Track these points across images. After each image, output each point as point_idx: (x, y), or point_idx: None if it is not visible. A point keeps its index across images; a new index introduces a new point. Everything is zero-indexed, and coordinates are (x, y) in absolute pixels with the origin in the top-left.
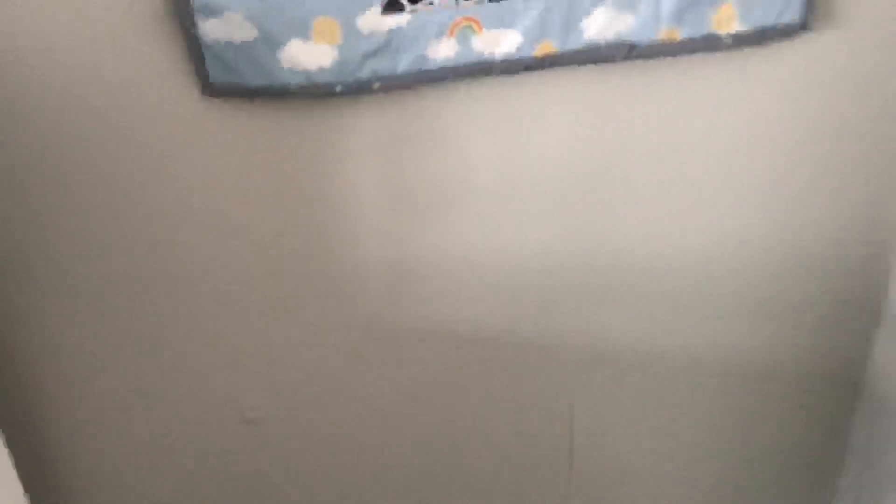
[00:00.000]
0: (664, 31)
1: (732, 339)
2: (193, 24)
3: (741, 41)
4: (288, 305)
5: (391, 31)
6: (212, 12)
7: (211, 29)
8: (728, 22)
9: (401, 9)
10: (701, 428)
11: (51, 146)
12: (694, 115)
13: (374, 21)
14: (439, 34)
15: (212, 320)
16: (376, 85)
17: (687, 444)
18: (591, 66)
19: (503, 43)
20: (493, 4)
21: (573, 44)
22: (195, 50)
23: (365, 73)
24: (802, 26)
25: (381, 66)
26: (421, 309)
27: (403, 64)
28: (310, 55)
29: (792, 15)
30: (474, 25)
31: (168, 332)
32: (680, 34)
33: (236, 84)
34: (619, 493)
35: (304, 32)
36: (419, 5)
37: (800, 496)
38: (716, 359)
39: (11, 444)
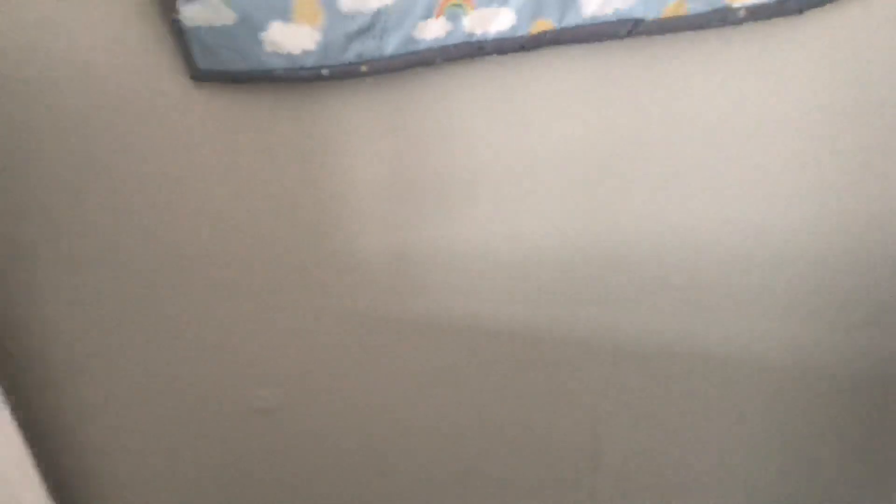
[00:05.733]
0: (671, 5)
1: (766, 336)
2: (175, 10)
3: (757, 13)
4: (292, 295)
5: (376, 11)
6: None
7: (192, 14)
8: None
9: None
10: (732, 429)
11: (43, 137)
12: (708, 94)
13: (358, 1)
14: (427, 13)
15: (216, 310)
16: (364, 68)
17: (718, 446)
18: (592, 45)
19: (496, 21)
20: None
21: (571, 21)
22: (179, 36)
23: (350, 55)
24: None
25: (367, 47)
26: (427, 300)
27: (391, 45)
28: (292, 38)
29: None
30: (465, 4)
31: (175, 324)
32: (688, 7)
33: (222, 70)
34: (646, 493)
35: (284, 15)
36: None
37: None
38: (748, 357)
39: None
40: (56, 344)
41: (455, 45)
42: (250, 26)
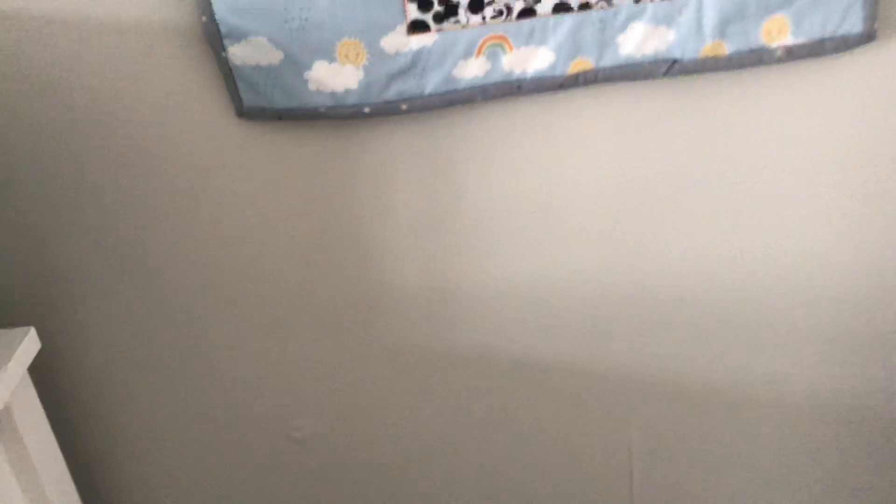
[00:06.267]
0: (708, 46)
1: (797, 372)
2: (223, 49)
3: (795, 54)
4: (329, 326)
5: (417, 52)
6: (238, 37)
7: (239, 53)
8: (779, 34)
9: (426, 29)
10: (773, 465)
11: (92, 169)
12: (745, 134)
13: (400, 42)
14: (467, 53)
15: (254, 341)
16: (404, 106)
17: (759, 484)
18: (631, 83)
19: (535, 60)
20: (523, 22)
21: (609, 60)
22: (227, 74)
23: (391, 93)
24: (866, 36)
25: (408, 86)
26: (462, 333)
27: (431, 84)
28: (335, 77)
29: (853, 24)
30: (504, 43)
31: (214, 354)
32: (726, 48)
33: (266, 107)
34: None
35: (328, 55)
36: (445, 24)
37: None
38: (785, 392)
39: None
40: (92, 372)
41: (494, 84)
42: (295, 65)
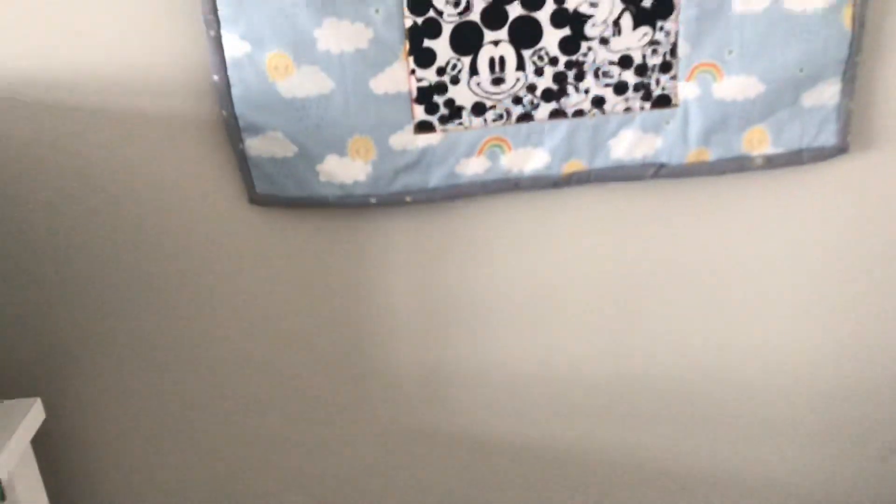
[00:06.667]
0: (693, 153)
1: (786, 463)
2: (241, 141)
3: (774, 162)
4: (328, 405)
5: (423, 150)
6: (255, 131)
7: (255, 145)
8: (760, 144)
9: (432, 129)
10: None
11: (106, 245)
12: (728, 233)
13: (407, 140)
14: (469, 152)
15: (253, 418)
16: (408, 198)
17: None
18: (621, 183)
19: (531, 161)
20: (522, 125)
21: (601, 162)
22: (243, 163)
23: (397, 186)
24: (840, 148)
25: (413, 180)
26: (456, 415)
27: (434, 179)
28: (345, 170)
29: (828, 137)
30: (503, 144)
31: (212, 431)
32: (710, 155)
33: (278, 195)
34: None
35: (340, 150)
36: (450, 126)
37: None
38: (771, 483)
39: None
40: (91, 443)
41: (493, 181)
42: (308, 158)
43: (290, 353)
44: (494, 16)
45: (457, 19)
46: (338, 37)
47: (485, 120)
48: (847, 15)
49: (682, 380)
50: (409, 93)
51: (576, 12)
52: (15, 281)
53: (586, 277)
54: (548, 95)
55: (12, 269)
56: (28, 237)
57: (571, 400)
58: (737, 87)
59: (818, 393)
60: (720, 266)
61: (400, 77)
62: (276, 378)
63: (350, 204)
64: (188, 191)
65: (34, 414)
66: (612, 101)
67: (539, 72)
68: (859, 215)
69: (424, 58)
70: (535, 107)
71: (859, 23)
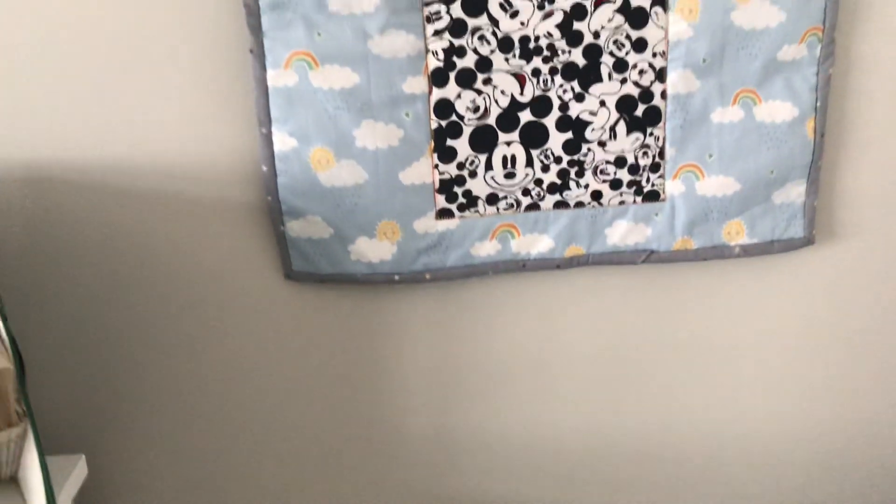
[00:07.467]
0: (679, 241)
1: None
2: (282, 223)
3: (750, 251)
4: (342, 464)
5: (442, 233)
6: (296, 215)
7: (295, 227)
8: (737, 235)
9: (451, 215)
10: None
11: (151, 313)
12: (710, 312)
13: (429, 224)
14: (483, 236)
15: (271, 474)
16: (427, 276)
17: None
18: (616, 267)
19: (537, 245)
20: (529, 214)
21: (598, 248)
22: (282, 243)
23: (418, 265)
24: (806, 240)
25: (433, 260)
26: (464, 478)
27: (451, 259)
28: (374, 250)
29: (796, 230)
30: (513, 230)
31: (236, 479)
32: (694, 244)
33: (312, 272)
34: None
35: (370, 232)
36: (467, 213)
37: None
38: None
39: None
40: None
41: (503, 262)
42: (341, 240)
43: (314, 414)
44: (508, 121)
45: (475, 123)
46: (374, 136)
47: (497, 209)
48: (809, 126)
49: (671, 447)
50: (433, 184)
51: (578, 119)
52: (64, 349)
53: (583, 351)
54: (553, 189)
55: (61, 338)
56: (81, 305)
57: (572, 466)
58: (717, 185)
59: (791, 464)
60: (703, 342)
61: (425, 170)
62: (299, 437)
63: (376, 280)
64: (231, 266)
65: (79, 471)
66: (609, 195)
67: (545, 168)
68: (826, 300)
69: (447, 155)
70: (542, 198)
71: (820, 133)
